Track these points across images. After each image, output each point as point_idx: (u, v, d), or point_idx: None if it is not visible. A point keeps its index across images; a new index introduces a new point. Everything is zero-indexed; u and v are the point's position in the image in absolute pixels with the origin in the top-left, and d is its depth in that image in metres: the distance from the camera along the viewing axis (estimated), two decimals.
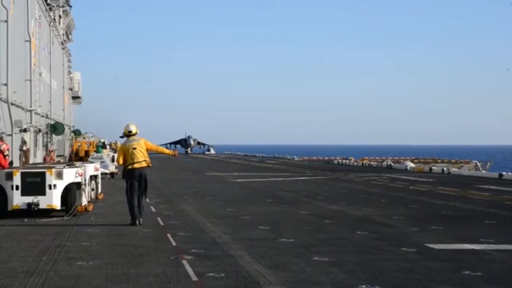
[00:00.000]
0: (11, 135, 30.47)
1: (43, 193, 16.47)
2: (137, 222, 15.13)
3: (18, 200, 16.39)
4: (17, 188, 16.39)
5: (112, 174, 35.88)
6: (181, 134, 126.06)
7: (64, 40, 65.07)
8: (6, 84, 29.79)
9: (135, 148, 15.47)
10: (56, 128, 47.61)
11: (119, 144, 55.52)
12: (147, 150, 15.68)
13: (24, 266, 10.31)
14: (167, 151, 16.86)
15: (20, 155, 32.00)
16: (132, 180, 15.53)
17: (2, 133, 28.91)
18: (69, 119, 69.41)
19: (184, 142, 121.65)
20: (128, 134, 15.81)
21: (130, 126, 15.89)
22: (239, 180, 34.43)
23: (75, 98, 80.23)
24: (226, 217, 17.11)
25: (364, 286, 8.93)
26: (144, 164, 15.48)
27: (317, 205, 20.42)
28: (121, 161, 15.75)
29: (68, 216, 16.59)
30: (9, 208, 16.46)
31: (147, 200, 15.61)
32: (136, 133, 15.86)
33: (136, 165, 15.43)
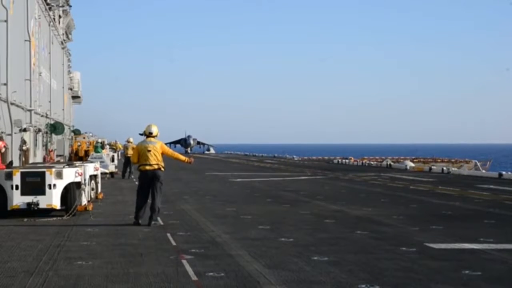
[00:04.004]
0: (11, 134, 30.47)
1: (43, 192, 16.46)
2: (149, 223, 15.11)
3: (18, 199, 16.38)
4: (17, 187, 16.38)
5: (112, 173, 35.87)
6: (181, 133, 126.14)
7: (64, 40, 65.06)
8: (6, 84, 29.80)
9: (149, 151, 15.49)
10: (55, 127, 47.62)
11: (119, 144, 55.78)
12: (162, 154, 15.70)
13: (24, 266, 10.31)
14: (182, 157, 16.89)
15: (20, 155, 32.00)
16: (143, 181, 15.60)
17: (2, 132, 28.91)
18: (68, 119, 69.40)
19: (184, 142, 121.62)
20: (147, 135, 15.84)
21: (152, 127, 15.90)
22: (239, 179, 34.41)
23: (75, 97, 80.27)
24: (226, 216, 17.11)
25: (364, 286, 8.93)
26: (156, 167, 15.50)
27: (317, 204, 20.42)
28: (135, 160, 15.79)
29: (68, 215, 16.59)
30: (9, 208, 16.46)
31: (148, 200, 15.60)
32: (156, 135, 15.87)
33: (148, 167, 15.48)
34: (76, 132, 65.95)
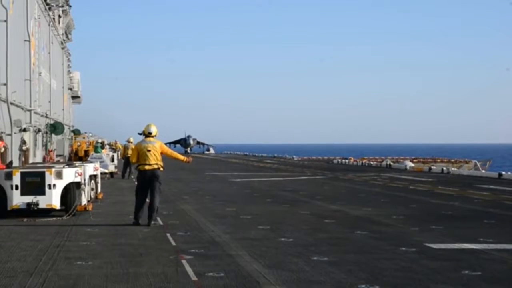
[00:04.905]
0: (10, 134, 30.45)
1: (42, 192, 16.45)
2: (149, 223, 15.10)
3: (17, 199, 16.37)
4: (16, 187, 16.37)
5: (111, 173, 35.85)
6: (181, 133, 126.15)
7: (64, 40, 65.04)
8: (5, 84, 29.78)
9: (149, 151, 15.48)
10: (55, 127, 47.60)
11: (119, 144, 55.78)
12: (161, 154, 15.70)
13: (24, 266, 10.31)
14: (181, 157, 16.91)
15: (19, 155, 31.99)
16: (142, 181, 15.60)
17: (2, 132, 28.90)
18: (68, 118, 69.38)
19: (183, 142, 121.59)
20: (146, 135, 15.82)
21: (151, 127, 15.87)
22: (238, 179, 34.41)
23: (75, 97, 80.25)
24: (225, 216, 17.11)
25: (363, 286, 8.93)
26: (155, 167, 15.50)
27: (317, 204, 20.41)
28: (134, 160, 15.78)
29: (68, 215, 16.59)
30: (9, 208, 16.45)
31: (147, 200, 15.61)
32: (155, 135, 15.86)
33: (147, 167, 15.47)
34: (76, 132, 65.96)
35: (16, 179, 16.40)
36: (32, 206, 16.33)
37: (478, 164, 67.11)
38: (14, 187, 16.37)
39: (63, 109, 62.28)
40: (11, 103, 30.63)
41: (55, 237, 13.37)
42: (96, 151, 38.78)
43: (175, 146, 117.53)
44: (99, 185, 21.67)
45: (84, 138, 60.04)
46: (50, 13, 52.02)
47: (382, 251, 11.66)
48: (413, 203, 20.93)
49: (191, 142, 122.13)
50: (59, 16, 61.84)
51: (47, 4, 49.75)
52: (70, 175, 16.97)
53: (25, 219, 16.26)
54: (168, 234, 13.55)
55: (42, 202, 16.45)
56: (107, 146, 51.68)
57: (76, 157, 53.76)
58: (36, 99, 41.15)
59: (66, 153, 54.31)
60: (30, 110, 37.61)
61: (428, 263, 10.57)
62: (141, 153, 15.55)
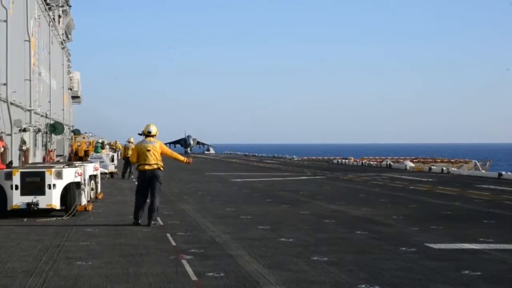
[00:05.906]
0: (10, 134, 30.46)
1: (42, 193, 16.45)
2: (149, 223, 15.09)
3: (17, 199, 16.37)
4: (16, 187, 16.37)
5: (111, 174, 35.86)
6: (181, 133, 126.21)
7: (64, 40, 65.05)
8: (5, 84, 29.80)
9: (149, 151, 15.46)
10: (55, 128, 47.62)
11: (119, 144, 55.83)
12: (161, 154, 15.68)
13: (24, 266, 10.30)
14: (181, 158, 16.87)
15: (19, 155, 31.99)
16: (142, 181, 15.58)
17: (2, 132, 28.91)
18: (68, 118, 69.38)
19: (183, 142, 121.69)
20: (146, 134, 15.81)
21: (150, 127, 15.85)
22: (238, 179, 34.41)
23: (75, 97, 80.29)
24: (225, 216, 17.10)
25: (363, 286, 8.93)
26: (155, 167, 15.49)
27: (317, 204, 20.41)
28: (134, 159, 15.76)
29: (68, 216, 16.58)
30: (9, 208, 16.44)
31: (147, 200, 15.60)
32: (155, 135, 15.84)
33: (147, 167, 15.45)
34: (76, 132, 66.00)
35: (16, 179, 16.40)
36: (32, 206, 16.33)
37: (478, 164, 67.06)
38: (14, 187, 16.37)
39: (63, 109, 62.29)
40: (11, 103, 30.65)
41: (55, 237, 13.37)
42: (96, 151, 38.79)
43: (175, 146, 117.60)
44: (99, 185, 21.67)
45: (84, 138, 60.08)
46: (50, 13, 52.03)
47: (382, 251, 11.66)
48: (413, 203, 20.92)
49: (191, 142, 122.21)
50: (59, 16, 61.85)
51: (47, 4, 49.77)
52: (70, 175, 16.97)
53: (25, 219, 16.25)
54: (168, 234, 13.55)
55: (42, 202, 16.45)
56: (107, 146, 51.71)
57: (76, 157, 53.80)
58: (36, 99, 41.17)
59: (66, 153, 54.32)
60: (30, 110, 37.63)
61: (428, 263, 10.57)
62: (141, 153, 15.54)
